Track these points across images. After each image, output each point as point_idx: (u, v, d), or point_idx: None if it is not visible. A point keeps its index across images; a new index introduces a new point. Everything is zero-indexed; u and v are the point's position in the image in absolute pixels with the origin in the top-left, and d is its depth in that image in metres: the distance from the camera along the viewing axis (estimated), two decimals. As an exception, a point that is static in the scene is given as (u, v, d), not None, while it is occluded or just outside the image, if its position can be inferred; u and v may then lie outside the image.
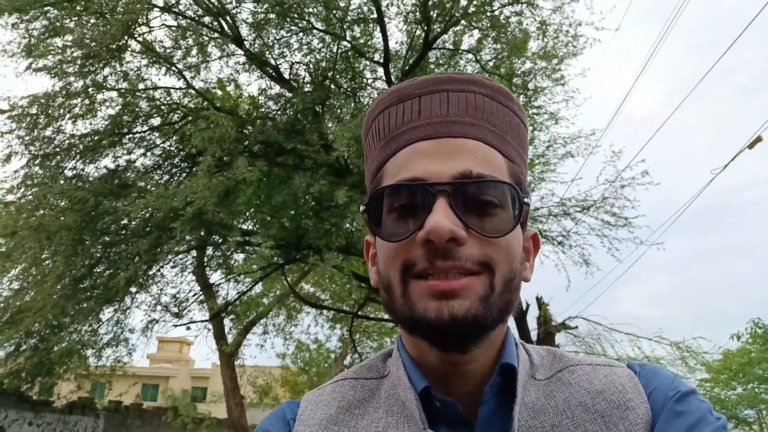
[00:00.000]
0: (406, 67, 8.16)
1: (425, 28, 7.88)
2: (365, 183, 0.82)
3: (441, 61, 8.73)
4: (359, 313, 11.43)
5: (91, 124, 8.18)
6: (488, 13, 7.97)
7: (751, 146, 7.77)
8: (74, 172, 8.25)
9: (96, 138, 8.06)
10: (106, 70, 7.87)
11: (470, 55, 8.57)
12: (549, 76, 8.69)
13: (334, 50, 8.20)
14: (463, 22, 8.11)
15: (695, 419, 0.64)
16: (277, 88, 8.48)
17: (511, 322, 0.76)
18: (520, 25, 8.10)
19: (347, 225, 7.94)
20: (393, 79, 8.08)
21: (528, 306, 9.28)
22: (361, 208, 0.71)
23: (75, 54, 7.47)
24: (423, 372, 0.70)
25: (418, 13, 7.97)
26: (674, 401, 0.67)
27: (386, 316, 12.77)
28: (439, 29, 8.04)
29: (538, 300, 9.62)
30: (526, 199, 0.69)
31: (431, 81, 0.73)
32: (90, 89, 7.81)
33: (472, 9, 7.85)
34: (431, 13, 7.77)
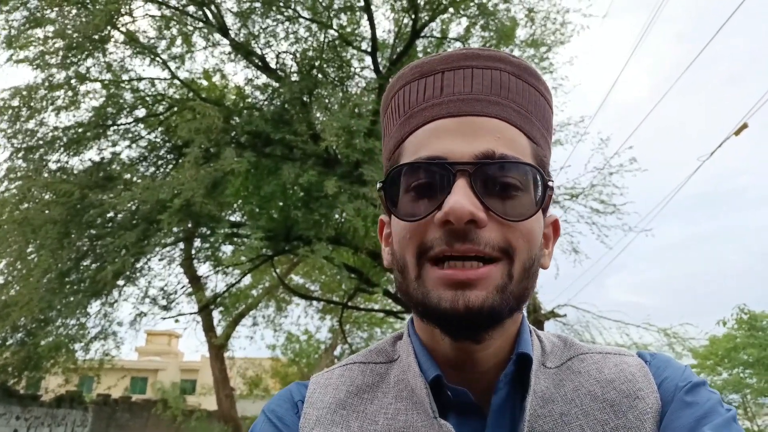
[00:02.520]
0: (394, 56, 8.11)
1: (413, 16, 7.83)
2: (383, 161, 0.79)
3: (429, 50, 8.69)
4: (349, 303, 11.44)
5: (74, 116, 8.11)
6: (476, 1, 7.93)
7: (737, 133, 7.81)
8: (58, 164, 8.16)
9: (80, 130, 7.96)
10: (89, 61, 7.76)
11: (458, 44, 8.54)
12: (537, 63, 8.68)
13: (321, 39, 8.13)
14: (450, 9, 8.08)
15: (705, 410, 0.63)
16: (263, 78, 8.40)
17: None
18: (509, 13, 8.09)
19: (337, 216, 7.90)
20: (381, 69, 8.03)
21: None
22: (378, 185, 0.69)
23: (57, 45, 7.35)
24: (434, 358, 0.69)
25: (405, 1, 7.91)
26: (685, 392, 0.66)
27: (377, 307, 12.80)
28: (426, 17, 7.99)
29: (528, 288, 9.68)
30: (550, 183, 0.67)
31: (455, 56, 0.70)
32: (73, 81, 7.70)
33: (459, -4, 7.81)
34: (419, 0, 7.72)
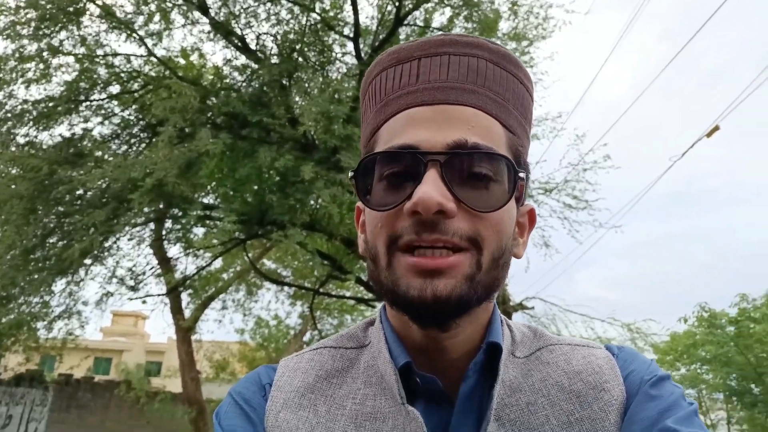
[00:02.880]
0: (376, 43, 8.05)
1: (397, 3, 7.77)
2: (360, 147, 0.78)
3: (411, 38, 8.63)
4: (321, 290, 11.41)
5: (45, 89, 7.85)
6: (460, -9, 7.92)
7: (708, 135, 8.00)
8: (27, 139, 7.91)
9: (50, 104, 7.72)
10: (63, 34, 7.53)
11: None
12: (518, 57, 8.71)
13: (303, 22, 8.01)
14: (434, -2, 8.04)
15: (668, 404, 0.65)
16: (242, 59, 8.24)
17: None
18: (492, 5, 8.08)
19: (312, 201, 7.85)
20: (362, 55, 7.96)
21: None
22: (350, 173, 0.69)
23: (29, 16, 7.11)
24: (405, 345, 0.69)
25: (389, -12, 7.85)
26: (649, 385, 0.68)
27: (348, 294, 12.81)
28: (410, 5, 7.94)
29: (498, 280, 9.78)
30: (521, 174, 0.66)
31: (433, 42, 0.70)
32: (45, 53, 7.46)
33: (444, -14, 7.79)
34: (403, -12, 7.67)
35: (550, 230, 9.27)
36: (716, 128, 7.85)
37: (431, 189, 0.60)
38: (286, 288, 12.96)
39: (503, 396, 0.66)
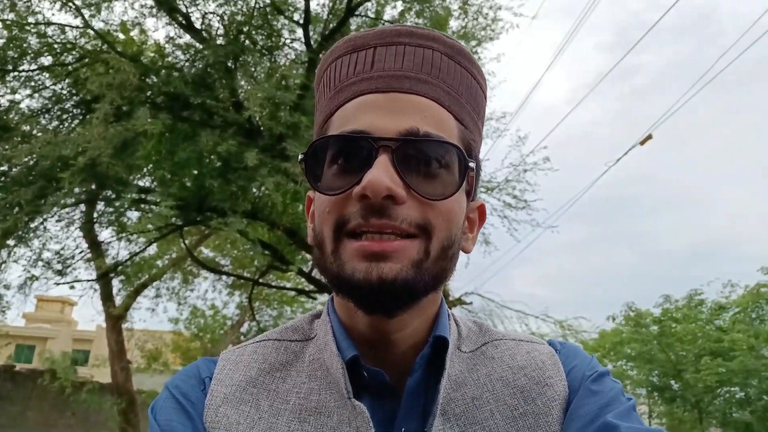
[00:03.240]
0: (326, 32, 7.96)
1: (349, -8, 7.71)
2: (312, 134, 0.77)
3: (362, 29, 8.60)
4: (260, 280, 11.25)
5: (-32, 56, 7.32)
6: (413, -15, 7.93)
7: (642, 143, 8.37)
8: (-55, 108, 7.39)
9: (-27, 72, 7.23)
10: (-11, -3, 7.05)
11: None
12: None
13: (252, 4, 7.82)
14: (387, -9, 8.03)
15: (608, 399, 0.66)
16: (186, 38, 7.98)
17: None
18: (444, 2, 8.14)
19: (255, 189, 7.69)
20: (312, 43, 7.86)
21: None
22: (299, 157, 0.67)
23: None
24: (352, 338, 0.68)
25: (342, -24, 7.77)
26: (591, 380, 0.69)
27: (289, 285, 12.68)
28: (362, -5, 7.90)
29: (439, 275, 9.92)
30: (471, 164, 0.66)
31: (389, 32, 0.70)
32: (-32, 16, 6.97)
33: (397, -22, 7.78)
34: (356, -23, 7.61)
35: (491, 228, 9.47)
36: (649, 137, 8.24)
37: (381, 173, 0.59)
38: (224, 277, 12.71)
39: (449, 390, 0.67)
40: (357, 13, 8.11)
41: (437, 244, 0.63)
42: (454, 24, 8.60)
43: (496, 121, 9.48)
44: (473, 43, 8.71)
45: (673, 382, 15.29)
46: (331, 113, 0.69)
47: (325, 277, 0.66)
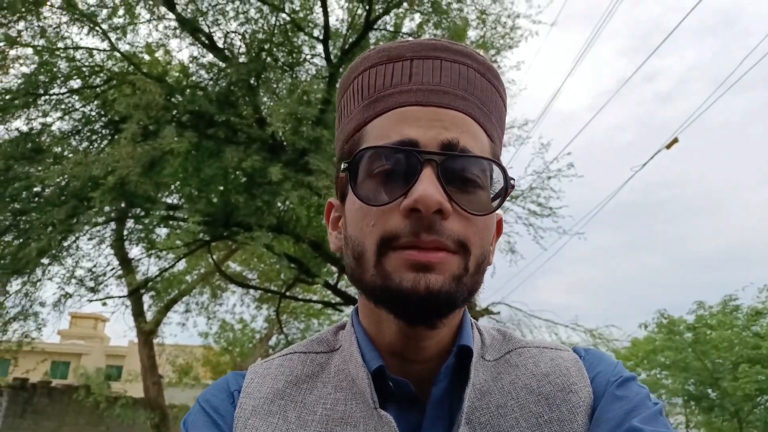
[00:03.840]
0: (346, 46, 8.05)
1: (367, 7, 7.79)
2: (336, 142, 0.77)
3: (381, 43, 8.67)
4: (287, 293, 11.32)
5: (2, 81, 7.62)
6: (430, -2, 7.98)
7: (668, 147, 8.22)
8: (-19, 132, 7.65)
9: (8, 97, 7.49)
10: (21, 24, 7.33)
11: (410, 39, 8.56)
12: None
13: (272, 22, 7.95)
14: (405, 4, 8.08)
15: (634, 404, 0.65)
16: (210, 57, 8.14)
17: None
18: (461, 12, 8.17)
19: (280, 204, 7.78)
20: (332, 58, 7.94)
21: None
22: (343, 165, 0.67)
23: (-15, 4, 6.88)
24: (377, 349, 0.69)
25: (360, -9, 7.85)
26: (616, 386, 0.69)
27: (315, 298, 12.72)
28: (381, 9, 7.97)
29: (464, 285, 9.86)
30: (512, 181, 0.67)
31: (425, 45, 0.70)
32: (2, 44, 7.24)
33: (414, -9, 7.83)
34: (374, -8, 7.69)
35: (516, 236, 9.38)
36: (675, 140, 8.09)
37: (430, 187, 0.59)
38: (251, 291, 12.83)
39: (473, 399, 0.67)
40: (376, 27, 8.19)
41: (474, 260, 0.64)
42: (472, 34, 8.62)
43: (519, 129, 9.44)
44: (492, 52, 8.70)
45: (710, 390, 14.89)
46: (366, 122, 0.69)
47: (362, 288, 0.66)
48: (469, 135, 0.65)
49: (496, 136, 0.72)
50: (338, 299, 10.45)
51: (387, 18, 8.34)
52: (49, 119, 8.13)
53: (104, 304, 9.84)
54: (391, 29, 8.56)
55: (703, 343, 14.45)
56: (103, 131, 8.51)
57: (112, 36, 7.81)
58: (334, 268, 9.52)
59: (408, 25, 8.70)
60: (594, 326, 10.46)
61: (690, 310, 15.31)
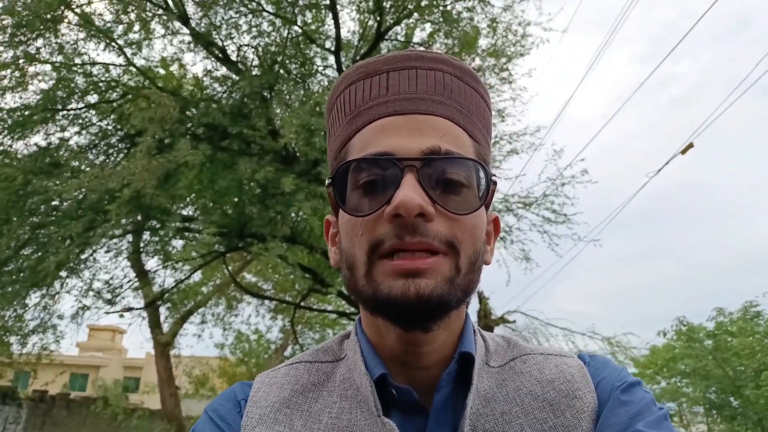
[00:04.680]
0: (358, 57, 8.10)
1: (378, 18, 7.84)
2: (328, 160, 0.80)
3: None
4: (302, 303, 11.33)
5: (21, 97, 7.76)
6: (441, 7, 8.01)
7: (683, 152, 8.13)
8: (1, 147, 7.79)
9: (26, 113, 7.63)
10: (39, 42, 7.47)
11: (421, 49, 8.58)
12: (497, 73, 8.82)
13: (285, 35, 8.04)
14: (415, 14, 8.12)
15: (639, 408, 0.66)
16: (223, 70, 8.24)
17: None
18: (472, 21, 8.19)
19: (293, 214, 7.82)
20: (344, 68, 7.99)
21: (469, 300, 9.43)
22: (327, 182, 0.70)
23: (5, 22, 7.04)
24: (380, 356, 0.70)
25: (371, 3, 7.91)
26: (620, 391, 0.69)
27: (329, 308, 12.72)
28: (391, 20, 8.02)
29: (479, 294, 9.80)
30: (494, 178, 0.69)
31: (399, 57, 0.72)
32: (21, 61, 7.38)
33: (425, 2, 7.87)
34: (384, 3, 7.73)
35: (530, 244, 9.31)
36: (690, 145, 8.00)
37: (411, 192, 0.61)
38: (266, 302, 12.85)
39: (478, 406, 0.67)
40: (387, 37, 8.24)
41: (465, 259, 0.65)
42: (483, 42, 8.62)
43: (531, 136, 9.38)
44: (503, 59, 8.70)
45: (732, 399, 14.60)
46: (349, 137, 0.71)
47: (358, 298, 0.68)
48: (449, 138, 0.67)
49: (480, 136, 0.73)
50: (352, 309, 10.45)
51: (398, 29, 8.39)
52: (66, 134, 8.28)
53: (121, 316, 9.91)
54: (402, 39, 8.60)
55: (723, 351, 14.18)
56: (119, 145, 8.63)
57: (128, 51, 7.94)
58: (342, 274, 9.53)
59: (419, 35, 8.75)
60: (611, 334, 10.33)
61: (710, 317, 15.03)
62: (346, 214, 0.67)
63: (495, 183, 0.70)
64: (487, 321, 9.62)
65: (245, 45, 8.14)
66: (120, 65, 8.18)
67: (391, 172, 0.64)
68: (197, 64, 11.33)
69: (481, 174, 0.67)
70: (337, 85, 0.77)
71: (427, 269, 0.61)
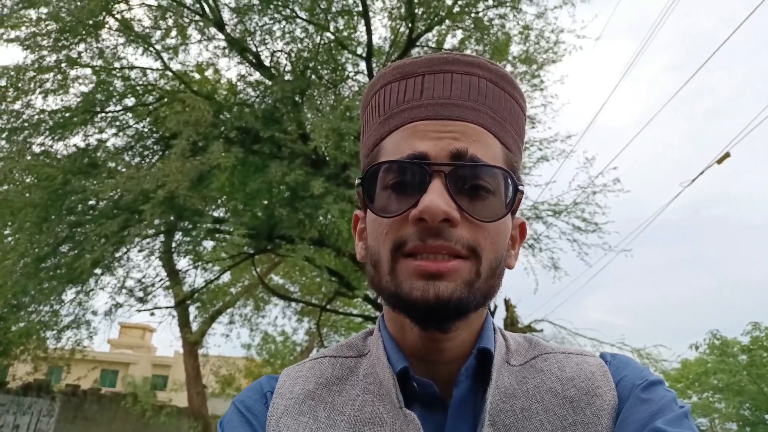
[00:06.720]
0: (389, 63, 8.13)
1: (410, 25, 7.88)
2: (360, 157, 0.81)
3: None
4: (328, 306, 11.39)
5: (62, 100, 7.97)
6: (472, 14, 8.00)
7: (719, 161, 7.95)
8: (42, 148, 8.01)
9: (67, 115, 7.84)
10: (81, 46, 7.68)
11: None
12: (529, 80, 8.77)
13: (317, 41, 8.13)
14: (447, 21, 8.13)
15: (659, 406, 0.66)
16: (256, 75, 8.37)
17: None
18: (503, 28, 8.16)
19: (321, 217, 7.89)
20: (374, 74, 8.04)
21: (496, 307, 9.38)
22: (357, 181, 0.72)
23: (49, 27, 7.27)
24: (402, 350, 0.72)
25: (403, 10, 7.95)
26: (641, 389, 0.69)
27: (355, 311, 12.76)
28: (423, 27, 8.04)
29: (506, 302, 9.74)
30: (521, 187, 0.70)
31: (435, 60, 0.73)
32: (63, 64, 7.61)
33: (456, 9, 7.87)
34: (416, 10, 7.77)
35: (560, 252, 9.20)
36: (727, 155, 7.81)
37: (437, 198, 0.62)
38: (293, 304, 12.95)
39: (498, 402, 0.68)
40: (418, 44, 8.26)
41: (486, 265, 0.66)
42: (514, 49, 8.59)
43: (561, 143, 9.29)
44: (534, 66, 8.65)
45: (767, 416, 14.16)
46: (381, 138, 0.73)
47: (381, 295, 0.69)
48: (479, 144, 0.68)
49: (512, 142, 0.74)
50: (378, 313, 10.46)
51: (429, 35, 8.41)
52: (104, 135, 8.47)
53: (152, 314, 10.10)
54: (434, 45, 8.62)
55: (759, 366, 13.78)
56: (155, 147, 8.82)
57: (165, 56, 8.12)
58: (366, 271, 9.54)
59: (450, 42, 8.74)
60: (641, 346, 10.13)
61: (744, 332, 14.63)
62: (373, 214, 0.69)
63: (522, 191, 0.70)
64: (513, 329, 9.54)
65: (278, 51, 8.27)
66: (157, 69, 8.38)
67: (419, 176, 0.65)
68: (231, 69, 11.53)
69: (509, 182, 0.68)
70: (374, 82, 0.78)
71: (448, 272, 0.63)
